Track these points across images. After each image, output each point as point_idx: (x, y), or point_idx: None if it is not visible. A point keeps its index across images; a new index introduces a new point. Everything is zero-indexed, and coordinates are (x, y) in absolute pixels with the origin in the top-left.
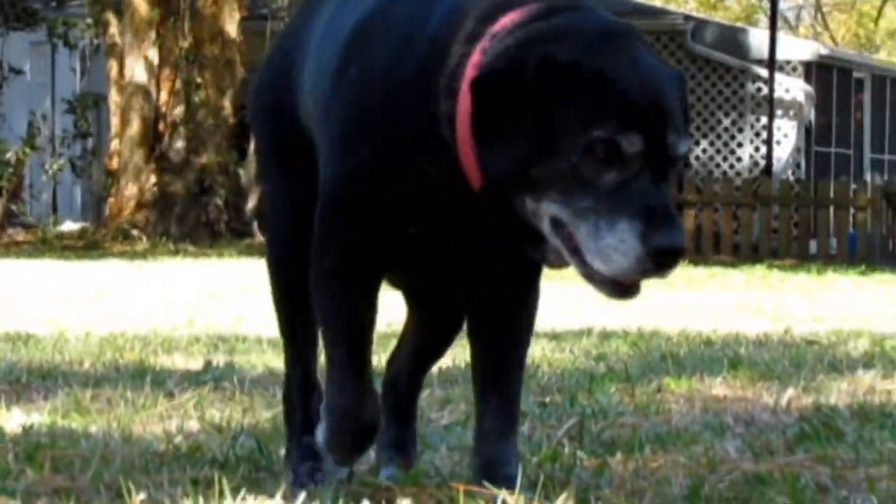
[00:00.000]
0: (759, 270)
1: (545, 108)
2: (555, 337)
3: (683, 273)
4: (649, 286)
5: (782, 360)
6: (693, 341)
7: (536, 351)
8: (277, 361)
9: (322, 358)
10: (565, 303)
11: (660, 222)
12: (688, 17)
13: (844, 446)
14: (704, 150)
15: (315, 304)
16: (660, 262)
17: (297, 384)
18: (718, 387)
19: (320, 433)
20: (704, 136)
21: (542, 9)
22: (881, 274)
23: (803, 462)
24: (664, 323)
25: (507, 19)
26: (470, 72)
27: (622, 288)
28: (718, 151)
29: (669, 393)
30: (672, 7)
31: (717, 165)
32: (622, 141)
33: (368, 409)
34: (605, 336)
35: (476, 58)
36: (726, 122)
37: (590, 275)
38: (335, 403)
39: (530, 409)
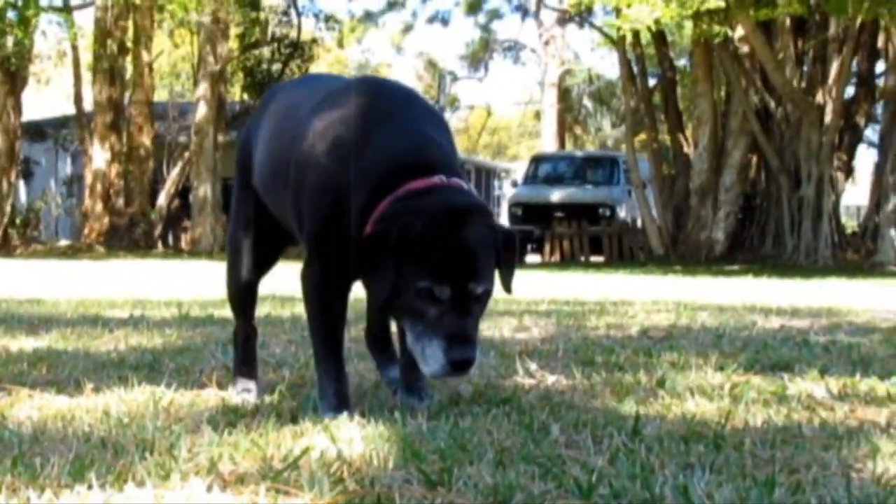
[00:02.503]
0: None
1: (399, 261)
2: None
3: None
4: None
5: None
6: None
7: None
8: (168, 314)
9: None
10: None
11: (457, 343)
12: None
13: None
14: None
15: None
16: (456, 368)
17: (241, 341)
18: None
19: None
20: None
21: (422, 188)
22: None
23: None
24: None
25: (402, 190)
26: (373, 219)
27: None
28: None
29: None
30: None
31: None
32: (436, 290)
33: (345, 385)
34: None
35: (380, 208)
36: None
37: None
38: (330, 389)
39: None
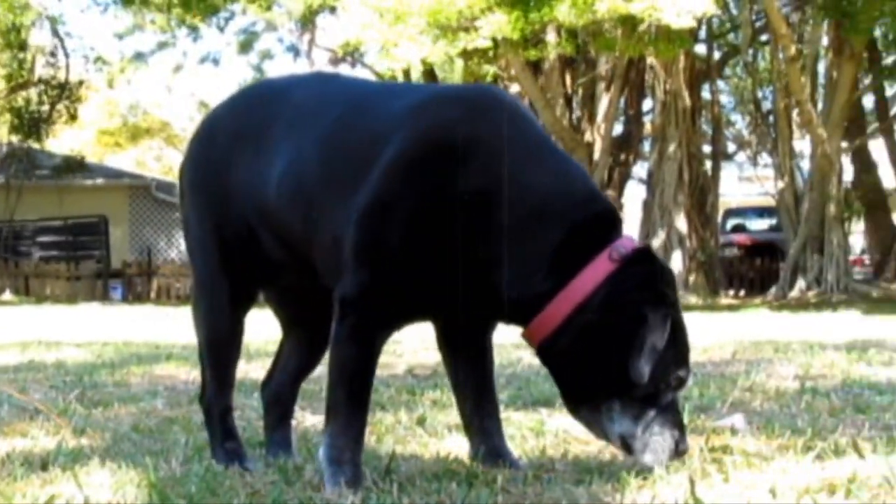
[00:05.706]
0: None
1: (664, 349)
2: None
3: None
4: None
5: None
6: None
7: None
8: (78, 356)
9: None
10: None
11: (683, 434)
12: (153, 179)
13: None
14: None
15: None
16: (679, 456)
17: (219, 410)
18: None
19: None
20: None
21: (642, 253)
22: None
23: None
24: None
25: (623, 246)
26: (590, 278)
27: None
28: None
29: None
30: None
31: None
32: (686, 376)
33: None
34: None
35: (603, 268)
36: None
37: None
38: (346, 454)
39: None
